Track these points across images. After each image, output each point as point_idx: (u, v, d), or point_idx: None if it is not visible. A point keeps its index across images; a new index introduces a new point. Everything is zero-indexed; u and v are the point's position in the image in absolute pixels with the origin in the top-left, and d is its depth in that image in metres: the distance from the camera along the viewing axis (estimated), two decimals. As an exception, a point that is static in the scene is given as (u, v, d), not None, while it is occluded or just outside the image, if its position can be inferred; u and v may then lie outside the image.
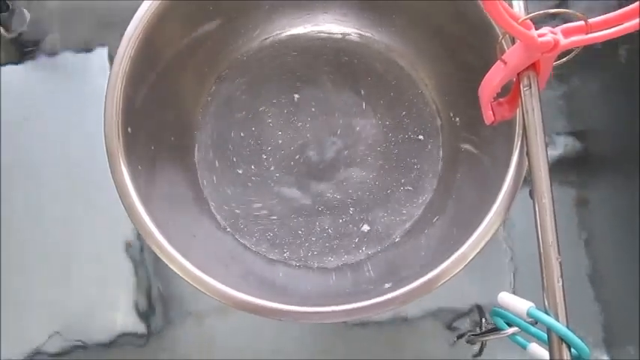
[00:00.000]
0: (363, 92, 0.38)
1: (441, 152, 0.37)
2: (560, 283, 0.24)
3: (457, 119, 0.36)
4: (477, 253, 0.27)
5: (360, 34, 0.38)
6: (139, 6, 0.31)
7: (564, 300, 0.24)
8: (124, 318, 0.41)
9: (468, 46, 0.32)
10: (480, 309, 0.38)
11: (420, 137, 0.38)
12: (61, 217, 0.42)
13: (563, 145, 0.44)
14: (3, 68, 0.44)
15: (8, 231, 0.42)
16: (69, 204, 0.42)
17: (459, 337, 0.37)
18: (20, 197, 0.43)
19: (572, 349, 0.24)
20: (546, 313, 0.25)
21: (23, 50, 0.44)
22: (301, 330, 0.40)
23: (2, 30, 0.44)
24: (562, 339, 0.24)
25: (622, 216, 0.42)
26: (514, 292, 0.29)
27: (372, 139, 0.38)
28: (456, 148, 0.36)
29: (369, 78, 0.39)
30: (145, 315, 0.41)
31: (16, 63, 0.44)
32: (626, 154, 0.43)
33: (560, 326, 0.24)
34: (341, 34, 0.39)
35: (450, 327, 0.39)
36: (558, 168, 0.43)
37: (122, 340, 0.41)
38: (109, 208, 0.41)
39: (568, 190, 0.43)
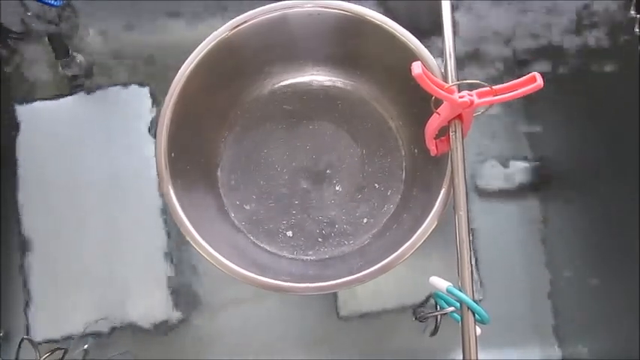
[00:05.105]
0: (345, 125, 0.46)
1: (403, 175, 0.44)
2: (470, 270, 0.31)
3: (415, 150, 0.44)
4: (421, 243, 0.36)
5: (343, 81, 0.46)
6: (174, 56, 0.40)
7: (472, 280, 0.31)
8: (158, 307, 0.46)
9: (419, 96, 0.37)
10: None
11: (388, 162, 0.45)
12: (106, 217, 0.47)
13: (527, 170, 0.48)
14: (59, 100, 0.50)
15: (62, 230, 0.47)
16: (112, 206, 0.47)
17: (416, 318, 0.43)
18: (71, 200, 0.47)
19: (477, 315, 0.31)
20: (460, 290, 0.31)
21: (75, 86, 0.50)
22: (301, 321, 0.46)
23: (61, 69, 0.50)
24: (469, 308, 0.30)
25: (578, 232, 0.46)
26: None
27: (352, 161, 0.45)
28: (414, 173, 0.43)
29: (350, 114, 0.46)
30: (176, 305, 0.46)
31: (69, 95, 0.50)
32: (582, 178, 0.47)
33: (467, 298, 0.31)
34: (330, 80, 0.46)
35: (414, 313, 0.44)
36: (522, 190, 0.47)
37: (157, 327, 0.46)
38: (147, 209, 0.47)
39: (531, 210, 0.47)
